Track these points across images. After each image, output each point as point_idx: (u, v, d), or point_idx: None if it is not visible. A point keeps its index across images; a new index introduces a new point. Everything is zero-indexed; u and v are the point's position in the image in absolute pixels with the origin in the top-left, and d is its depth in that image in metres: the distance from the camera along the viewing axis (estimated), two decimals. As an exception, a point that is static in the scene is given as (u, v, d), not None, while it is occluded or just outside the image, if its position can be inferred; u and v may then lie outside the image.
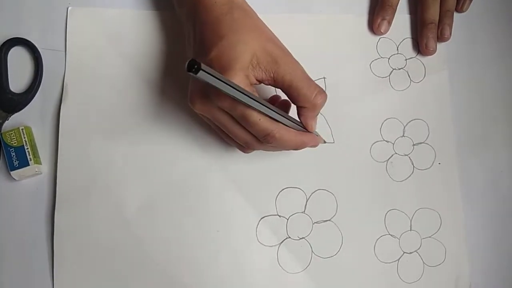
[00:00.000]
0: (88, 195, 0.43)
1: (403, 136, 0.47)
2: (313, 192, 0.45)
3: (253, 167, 0.45)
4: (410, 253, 0.45)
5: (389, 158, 0.46)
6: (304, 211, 0.44)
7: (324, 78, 0.47)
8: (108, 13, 0.47)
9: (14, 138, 0.42)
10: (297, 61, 0.37)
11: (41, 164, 0.43)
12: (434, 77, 0.48)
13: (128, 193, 0.43)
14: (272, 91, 0.44)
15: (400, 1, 0.49)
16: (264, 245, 0.43)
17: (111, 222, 0.43)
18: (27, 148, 0.42)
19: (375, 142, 0.46)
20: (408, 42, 0.49)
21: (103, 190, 0.43)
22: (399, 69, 0.48)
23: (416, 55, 0.49)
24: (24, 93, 0.44)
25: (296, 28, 0.47)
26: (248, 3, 0.40)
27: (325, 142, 0.43)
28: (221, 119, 0.36)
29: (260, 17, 0.39)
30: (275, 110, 0.34)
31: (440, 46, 0.48)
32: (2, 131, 0.44)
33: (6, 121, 0.44)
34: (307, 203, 0.45)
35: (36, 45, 0.45)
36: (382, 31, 0.48)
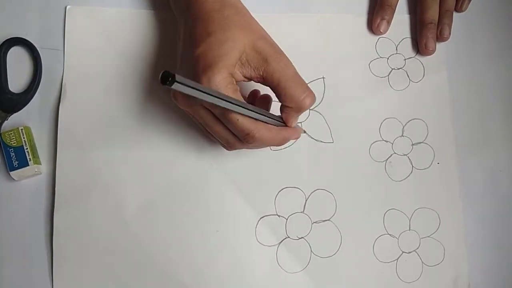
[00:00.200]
0: (88, 195, 0.43)
1: (402, 136, 0.47)
2: (312, 192, 0.45)
3: (252, 167, 0.45)
4: (409, 252, 0.45)
5: (388, 158, 0.46)
6: (303, 211, 0.44)
7: (323, 78, 0.47)
8: (107, 12, 0.47)
9: (13, 138, 0.42)
10: (289, 60, 0.36)
11: (40, 164, 0.43)
12: (433, 77, 0.48)
13: (128, 193, 0.43)
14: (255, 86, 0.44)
15: (399, 1, 0.49)
16: (263, 245, 0.44)
17: (110, 222, 0.43)
18: (27, 148, 0.42)
19: (374, 142, 0.46)
20: (407, 42, 0.49)
21: (103, 190, 0.43)
22: (398, 69, 0.48)
23: (415, 55, 0.49)
24: (23, 93, 0.44)
25: (295, 28, 0.47)
26: (247, 3, 0.40)
27: (305, 132, 0.43)
28: (203, 116, 0.36)
29: (259, 16, 0.39)
30: (254, 110, 0.34)
31: (440, 46, 0.48)
32: (1, 131, 0.44)
33: (5, 121, 0.44)
34: (306, 203, 0.45)
35: (35, 45, 0.45)
36: (381, 31, 0.48)
